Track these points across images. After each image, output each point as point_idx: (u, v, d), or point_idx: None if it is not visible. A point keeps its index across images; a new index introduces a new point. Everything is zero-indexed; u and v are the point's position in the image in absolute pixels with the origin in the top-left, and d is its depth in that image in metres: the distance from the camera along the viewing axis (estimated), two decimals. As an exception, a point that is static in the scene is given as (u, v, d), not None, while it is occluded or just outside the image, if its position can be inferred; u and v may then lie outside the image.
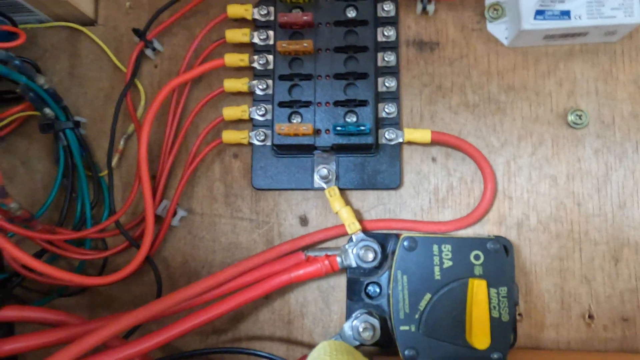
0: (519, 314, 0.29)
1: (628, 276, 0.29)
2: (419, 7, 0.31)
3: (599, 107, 0.30)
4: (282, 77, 0.30)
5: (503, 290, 0.24)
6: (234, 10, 0.31)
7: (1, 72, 0.27)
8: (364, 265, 0.27)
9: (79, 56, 0.34)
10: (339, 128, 0.28)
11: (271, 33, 0.31)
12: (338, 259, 0.28)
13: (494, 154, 0.30)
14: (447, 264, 0.24)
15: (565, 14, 0.28)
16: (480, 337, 0.23)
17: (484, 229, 0.30)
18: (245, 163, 0.32)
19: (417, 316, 0.24)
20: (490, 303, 0.24)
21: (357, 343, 0.27)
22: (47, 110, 0.30)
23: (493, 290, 0.24)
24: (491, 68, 0.31)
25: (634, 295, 0.29)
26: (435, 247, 0.25)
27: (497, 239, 0.26)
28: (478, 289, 0.23)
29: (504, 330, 0.24)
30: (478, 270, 0.24)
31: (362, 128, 0.28)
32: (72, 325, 0.25)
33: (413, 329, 0.24)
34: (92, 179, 0.32)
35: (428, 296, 0.24)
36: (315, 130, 0.29)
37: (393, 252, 0.26)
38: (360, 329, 0.26)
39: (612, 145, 0.30)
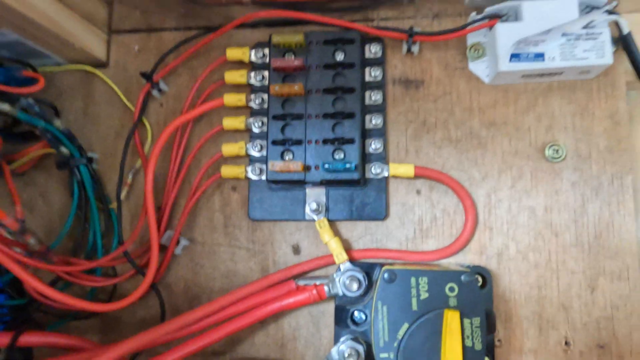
0: (499, 340, 0.30)
1: (604, 304, 0.30)
2: (405, 47, 0.34)
3: (576, 142, 0.32)
4: (275, 117, 0.32)
5: (476, 320, 0.26)
6: (232, 53, 0.34)
7: (23, 119, 0.30)
8: (349, 294, 0.29)
9: (92, 96, 0.37)
10: (327, 166, 0.31)
11: (267, 74, 0.34)
12: (325, 288, 0.30)
13: (475, 187, 0.32)
14: (424, 295, 0.26)
15: (540, 56, 0.30)
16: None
17: (466, 258, 0.32)
18: (242, 195, 0.34)
19: (395, 344, 0.26)
20: (463, 333, 0.26)
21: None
22: (63, 149, 0.33)
23: (467, 321, 0.26)
24: (473, 105, 0.33)
25: (610, 323, 0.30)
26: (413, 280, 0.27)
27: (472, 271, 0.28)
28: (452, 320, 0.25)
29: (477, 359, 0.25)
30: (453, 302, 0.26)
31: (348, 166, 0.30)
32: (85, 349, 0.28)
33: (392, 356, 0.26)
34: (103, 210, 0.35)
35: (406, 326, 0.26)
36: (305, 167, 0.31)
37: (377, 281, 0.28)
38: (346, 355, 0.28)
39: (588, 178, 0.31)
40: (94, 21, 0.36)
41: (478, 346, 0.26)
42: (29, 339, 0.27)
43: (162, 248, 0.33)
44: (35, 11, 0.30)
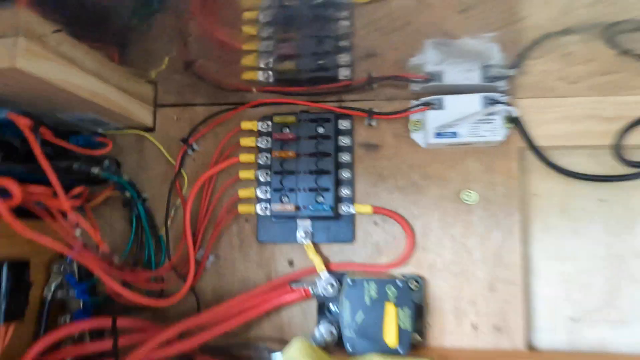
0: (428, 323, 0.45)
1: (500, 300, 0.45)
2: (366, 122, 0.48)
3: (483, 189, 0.46)
4: (276, 172, 0.47)
5: (407, 310, 0.40)
6: (245, 125, 0.48)
7: (106, 177, 0.44)
8: (327, 294, 0.44)
9: (143, 153, 0.51)
10: (311, 207, 0.45)
11: (270, 139, 0.48)
12: (311, 290, 0.44)
13: (414, 220, 0.47)
14: (373, 294, 0.40)
15: (454, 134, 0.44)
16: (391, 339, 0.39)
17: (408, 269, 0.46)
18: (253, 225, 0.48)
19: (355, 326, 0.40)
20: (399, 318, 0.40)
21: (323, 343, 0.43)
22: (127, 193, 0.48)
23: (400, 311, 0.40)
24: (414, 163, 0.47)
25: (503, 313, 0.44)
26: (365, 284, 0.41)
27: (406, 278, 0.42)
28: (390, 310, 0.39)
29: (406, 336, 0.40)
30: (392, 298, 0.40)
31: (326, 207, 0.45)
32: (148, 329, 0.42)
33: (352, 333, 0.40)
34: (153, 235, 0.49)
35: (361, 313, 0.40)
36: (296, 207, 0.46)
37: (343, 285, 0.42)
38: (324, 333, 0.42)
39: (491, 214, 0.46)
40: (145, 99, 0.50)
41: (408, 327, 0.40)
42: (120, 322, 0.41)
43: (197, 262, 0.47)
44: (108, 100, 0.43)
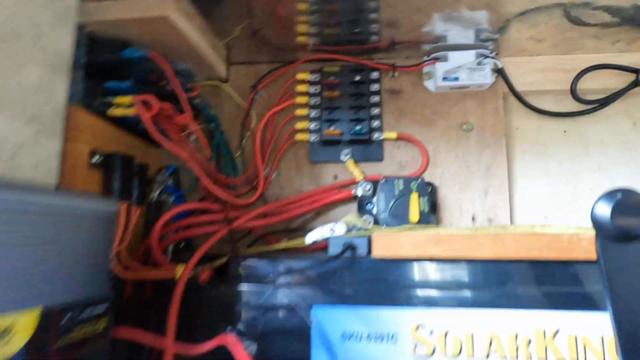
0: (440, 218, 0.60)
1: (492, 200, 0.61)
2: (390, 74, 0.64)
3: (478, 120, 0.63)
4: (325, 108, 0.63)
5: (425, 198, 0.56)
6: (299, 76, 0.65)
7: (202, 106, 0.60)
8: (365, 194, 0.59)
9: (219, 98, 0.67)
10: (351, 133, 0.61)
11: (319, 86, 0.64)
12: (353, 191, 0.60)
13: (427, 144, 0.63)
14: (401, 187, 0.56)
15: (456, 79, 0.61)
16: (414, 217, 0.55)
17: (425, 176, 0.62)
18: (306, 150, 0.64)
19: (387, 211, 0.56)
20: (419, 204, 0.55)
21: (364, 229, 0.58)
22: (211, 125, 0.63)
23: (421, 198, 0.56)
24: (427, 102, 0.64)
25: (494, 209, 0.60)
26: (395, 181, 0.56)
27: (422, 181, 0.58)
28: (414, 198, 0.55)
29: (425, 216, 0.55)
30: (415, 189, 0.56)
31: (362, 132, 0.61)
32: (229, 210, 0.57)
33: (387, 216, 0.56)
34: (231, 159, 0.64)
35: (392, 201, 0.56)
36: (341, 133, 0.62)
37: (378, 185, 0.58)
38: (366, 219, 0.58)
39: (484, 139, 0.62)
40: (222, 57, 0.66)
41: (426, 210, 0.55)
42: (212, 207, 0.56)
43: (264, 177, 0.63)
44: (206, 55, 0.59)
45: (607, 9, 0.54)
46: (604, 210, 0.35)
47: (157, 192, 0.61)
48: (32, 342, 0.28)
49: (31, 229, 0.29)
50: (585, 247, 0.41)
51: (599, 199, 0.37)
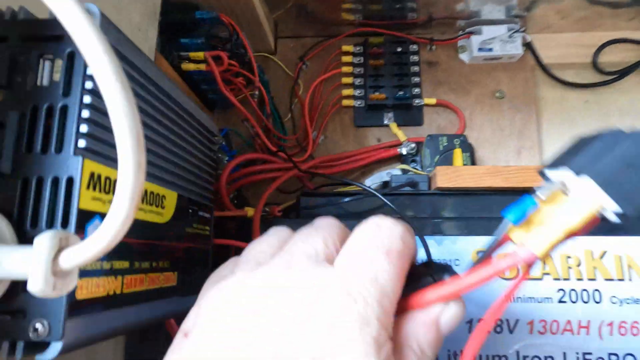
0: (477, 176, 0.65)
1: (524, 160, 0.66)
2: (428, 47, 0.70)
3: (509, 90, 0.68)
4: (369, 75, 0.68)
5: (467, 154, 0.61)
6: (345, 47, 0.70)
7: (259, 71, 0.64)
8: (410, 151, 0.64)
9: (270, 68, 0.71)
10: (395, 97, 0.66)
11: (362, 58, 0.69)
12: (398, 150, 0.64)
13: (464, 110, 0.68)
14: (445, 143, 0.61)
15: (490, 49, 0.67)
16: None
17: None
18: (351, 115, 0.69)
19: (434, 164, 0.60)
20: (462, 158, 0.60)
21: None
22: (263, 91, 0.68)
23: (464, 153, 0.60)
24: (462, 72, 0.70)
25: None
26: (440, 137, 0.61)
27: (464, 138, 0.63)
28: (457, 152, 0.60)
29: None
30: (457, 145, 0.61)
31: (405, 96, 0.66)
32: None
33: (433, 169, 0.60)
34: (280, 123, 0.68)
35: (438, 156, 0.61)
36: (385, 97, 0.67)
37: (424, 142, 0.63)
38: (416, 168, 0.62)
39: (515, 105, 0.68)
40: (272, 30, 0.71)
41: (468, 164, 0.60)
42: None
43: (312, 140, 0.67)
44: (262, 24, 0.64)
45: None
46: None
47: (214, 155, 0.65)
48: (174, 221, 0.32)
49: (168, 118, 0.32)
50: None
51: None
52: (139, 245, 0.27)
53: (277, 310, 0.17)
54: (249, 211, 0.52)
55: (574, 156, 0.19)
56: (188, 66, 0.55)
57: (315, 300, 0.17)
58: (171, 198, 0.31)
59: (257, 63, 0.69)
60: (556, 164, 0.20)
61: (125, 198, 0.15)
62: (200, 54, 0.55)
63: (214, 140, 0.42)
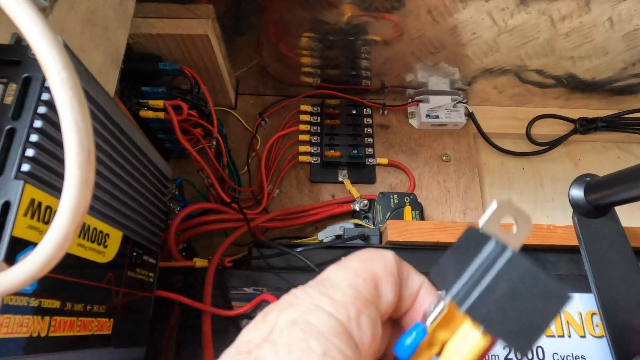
0: (426, 234, 0.67)
1: (468, 220, 0.69)
2: (381, 111, 0.75)
3: (454, 153, 0.73)
4: (326, 134, 0.71)
5: (417, 211, 0.63)
6: (303, 107, 0.73)
7: (221, 132, 0.65)
8: (362, 208, 0.65)
9: (230, 122, 0.73)
10: (349, 156, 0.69)
11: (319, 117, 0.73)
12: (352, 207, 0.66)
13: (413, 170, 0.72)
14: (396, 201, 0.63)
15: (437, 116, 0.73)
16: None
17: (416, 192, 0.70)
18: (306, 170, 0.71)
19: (386, 217, 0.62)
20: (412, 215, 0.62)
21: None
22: (221, 143, 0.68)
23: (413, 211, 0.63)
24: (412, 136, 0.74)
25: (471, 227, 0.69)
26: (391, 195, 0.64)
27: (413, 197, 0.66)
28: (407, 209, 0.62)
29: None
30: (408, 204, 0.63)
31: (359, 155, 0.69)
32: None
33: (385, 221, 0.62)
34: (236, 175, 0.69)
35: (389, 213, 0.62)
36: (340, 155, 0.69)
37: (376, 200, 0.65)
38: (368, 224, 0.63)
39: (460, 168, 0.72)
40: (233, 88, 0.74)
41: (418, 219, 0.62)
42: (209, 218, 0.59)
43: (268, 194, 0.68)
44: (223, 82, 0.67)
45: (547, 75, 0.70)
46: (578, 191, 0.45)
47: (166, 199, 0.63)
48: (115, 262, 0.30)
49: (121, 156, 0.32)
50: (560, 234, 0.50)
51: (573, 183, 0.46)
52: (74, 284, 0.25)
53: None
54: (198, 262, 0.50)
55: (453, 279, 0.17)
56: (147, 113, 0.55)
57: None
58: (116, 237, 0.30)
59: (217, 116, 0.71)
60: (439, 285, 0.19)
61: (66, 216, 0.15)
62: (159, 102, 0.55)
63: (168, 185, 0.42)
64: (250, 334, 0.16)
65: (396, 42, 0.63)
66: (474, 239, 0.18)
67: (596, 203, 0.43)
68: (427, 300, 0.20)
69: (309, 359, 0.13)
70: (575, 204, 0.45)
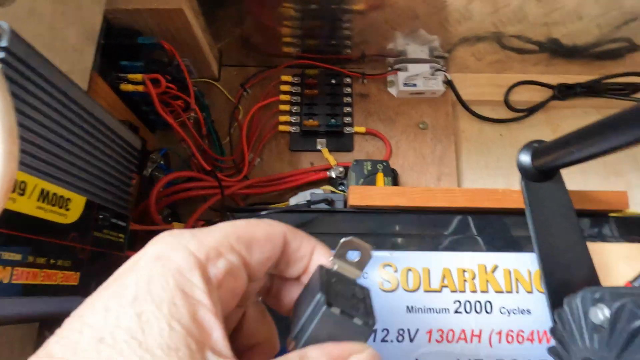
0: (400, 200, 0.70)
1: (444, 185, 0.72)
2: (360, 80, 0.76)
3: (431, 121, 0.75)
4: (305, 103, 0.73)
5: (389, 178, 0.66)
6: (284, 77, 0.75)
7: (198, 95, 0.68)
8: (338, 175, 0.69)
9: (213, 93, 0.75)
10: (327, 124, 0.71)
11: (299, 87, 0.75)
12: (328, 173, 0.69)
13: (391, 138, 0.74)
14: (369, 168, 0.66)
15: (414, 85, 0.74)
16: (380, 192, 0.64)
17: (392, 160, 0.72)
18: (286, 139, 0.73)
19: (359, 184, 0.65)
20: (384, 182, 0.65)
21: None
22: (204, 114, 0.71)
23: (385, 178, 0.66)
24: (390, 105, 0.76)
25: (445, 192, 0.71)
26: (364, 162, 0.66)
27: (387, 165, 0.68)
28: (379, 176, 0.65)
29: (389, 191, 0.65)
30: (380, 170, 0.66)
31: (337, 124, 0.71)
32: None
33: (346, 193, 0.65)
34: (218, 145, 0.72)
35: (362, 179, 0.65)
36: (318, 124, 0.72)
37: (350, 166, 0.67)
38: (340, 189, 0.67)
39: (437, 136, 0.74)
40: (216, 59, 0.76)
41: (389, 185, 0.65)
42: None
43: (249, 162, 0.71)
44: (205, 53, 0.69)
45: (527, 40, 0.70)
46: (526, 157, 0.47)
47: (151, 168, 0.67)
48: (79, 224, 0.34)
49: (80, 128, 0.35)
50: (515, 198, 0.52)
51: (521, 149, 0.48)
52: (35, 240, 0.29)
53: None
54: (176, 225, 0.54)
55: (299, 318, 0.21)
56: (127, 87, 0.58)
57: None
58: (79, 201, 0.34)
59: (200, 88, 0.73)
60: (292, 316, 0.23)
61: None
62: (138, 76, 0.58)
63: (135, 155, 0.45)
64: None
65: (374, 10, 0.64)
66: (318, 280, 0.22)
67: (542, 167, 0.45)
68: (320, 260, 0.23)
69: (164, 290, 0.17)
70: (522, 169, 0.47)
